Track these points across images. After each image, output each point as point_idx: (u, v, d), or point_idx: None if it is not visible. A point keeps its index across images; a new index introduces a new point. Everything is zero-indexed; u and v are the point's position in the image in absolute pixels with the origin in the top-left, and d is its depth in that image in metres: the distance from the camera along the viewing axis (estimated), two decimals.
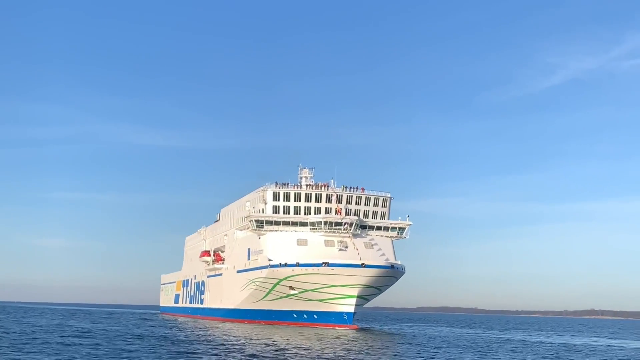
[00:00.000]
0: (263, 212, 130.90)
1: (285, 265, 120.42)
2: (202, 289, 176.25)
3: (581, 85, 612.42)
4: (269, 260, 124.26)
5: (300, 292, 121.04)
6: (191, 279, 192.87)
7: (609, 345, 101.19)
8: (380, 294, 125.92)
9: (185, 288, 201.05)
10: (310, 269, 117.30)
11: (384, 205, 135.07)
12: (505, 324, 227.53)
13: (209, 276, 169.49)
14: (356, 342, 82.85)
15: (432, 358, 65.27)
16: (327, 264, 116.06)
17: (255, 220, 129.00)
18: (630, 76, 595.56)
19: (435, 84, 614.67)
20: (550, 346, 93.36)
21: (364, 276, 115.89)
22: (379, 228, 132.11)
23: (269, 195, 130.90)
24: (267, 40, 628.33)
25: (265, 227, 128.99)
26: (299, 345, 73.05)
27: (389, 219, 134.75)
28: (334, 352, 66.02)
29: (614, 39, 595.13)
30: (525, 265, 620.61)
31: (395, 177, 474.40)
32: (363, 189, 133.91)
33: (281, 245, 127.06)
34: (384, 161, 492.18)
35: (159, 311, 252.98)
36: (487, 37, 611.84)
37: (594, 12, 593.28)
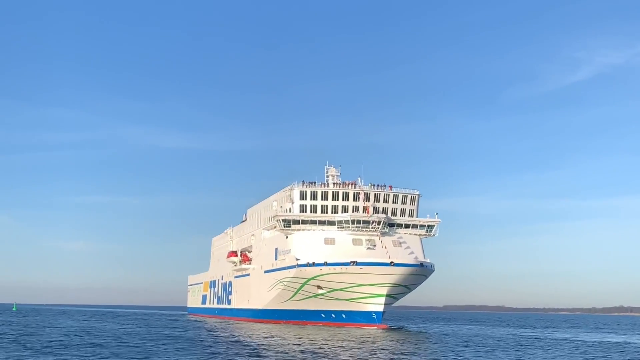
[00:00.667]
0: (290, 211, 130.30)
1: (313, 264, 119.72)
2: (230, 290, 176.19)
3: (606, 80, 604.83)
4: (297, 259, 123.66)
5: (328, 292, 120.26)
6: (218, 280, 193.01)
7: None
8: (409, 292, 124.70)
9: (212, 289, 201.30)
10: (338, 268, 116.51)
11: (412, 202, 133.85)
12: (535, 322, 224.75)
13: (236, 277, 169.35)
14: (396, 342, 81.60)
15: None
16: (355, 263, 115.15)
17: (283, 220, 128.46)
18: None
19: (459, 81, 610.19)
20: (605, 345, 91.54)
21: (393, 275, 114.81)
22: (407, 226, 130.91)
23: (296, 194, 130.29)
24: (290, 40, 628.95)
25: (293, 226, 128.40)
26: (337, 346, 72.18)
27: (417, 217, 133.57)
28: (376, 353, 65.01)
29: (639, 34, 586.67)
30: (552, 262, 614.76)
31: (420, 175, 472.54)
32: (391, 187, 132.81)
33: (309, 244, 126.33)
34: (408, 159, 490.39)
35: (186, 312, 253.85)
36: (511, 33, 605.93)
37: (618, 6, 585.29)
